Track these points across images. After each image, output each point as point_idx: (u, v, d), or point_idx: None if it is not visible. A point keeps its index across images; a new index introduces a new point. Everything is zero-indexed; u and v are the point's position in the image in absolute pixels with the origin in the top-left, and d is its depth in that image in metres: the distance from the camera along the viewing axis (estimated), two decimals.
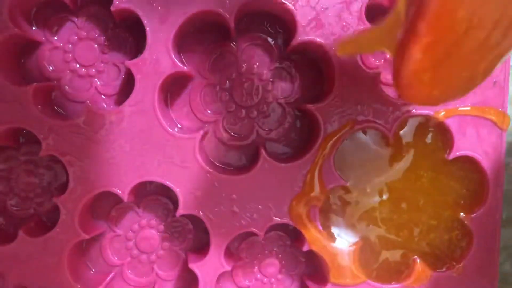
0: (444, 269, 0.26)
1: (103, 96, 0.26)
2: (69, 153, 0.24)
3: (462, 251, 0.26)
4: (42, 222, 0.26)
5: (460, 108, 0.25)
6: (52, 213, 0.26)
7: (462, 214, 0.26)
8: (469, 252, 0.25)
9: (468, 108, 0.25)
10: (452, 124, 0.25)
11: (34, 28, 0.25)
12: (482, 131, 0.25)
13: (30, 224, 0.26)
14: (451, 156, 0.25)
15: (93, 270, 0.27)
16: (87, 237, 0.25)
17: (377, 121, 0.24)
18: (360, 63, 0.24)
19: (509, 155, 0.28)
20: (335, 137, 0.24)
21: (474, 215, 0.25)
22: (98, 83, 0.26)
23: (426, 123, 0.26)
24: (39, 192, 0.26)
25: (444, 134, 0.25)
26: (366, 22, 0.24)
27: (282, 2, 0.24)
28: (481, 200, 0.26)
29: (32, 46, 0.26)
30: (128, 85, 0.25)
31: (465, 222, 0.25)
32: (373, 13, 0.25)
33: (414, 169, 0.26)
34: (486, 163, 0.25)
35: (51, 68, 0.26)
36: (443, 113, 0.25)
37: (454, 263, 0.26)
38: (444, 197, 0.26)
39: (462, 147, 0.25)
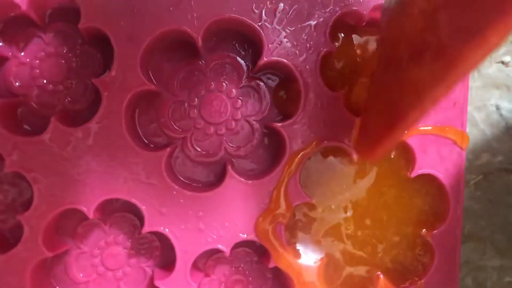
0: (407, 285, 0.26)
1: (70, 112, 0.26)
2: (34, 169, 0.24)
3: (424, 267, 0.26)
4: (5, 239, 0.26)
5: (421, 128, 0.26)
6: (15, 230, 0.26)
7: (424, 230, 0.26)
8: (431, 267, 0.26)
9: (429, 128, 0.26)
10: (414, 142, 0.26)
11: (0, 44, 0.25)
12: (443, 149, 0.26)
13: None
14: (413, 174, 0.26)
15: None
16: (50, 254, 0.24)
17: (341, 139, 0.25)
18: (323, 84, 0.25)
19: (469, 172, 0.29)
20: (300, 155, 0.25)
21: (436, 231, 0.26)
22: (66, 99, 0.26)
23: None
24: (3, 208, 0.26)
25: (406, 153, 0.26)
26: (331, 43, 0.25)
27: (249, 23, 0.24)
28: (442, 217, 0.26)
29: None
30: (95, 101, 0.25)
31: (427, 238, 0.26)
32: (338, 32, 0.26)
33: (377, 186, 0.27)
34: (447, 181, 0.26)
35: (17, 83, 0.25)
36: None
37: (417, 279, 0.26)
38: (406, 213, 0.27)
39: (424, 165, 0.26)
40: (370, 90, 0.20)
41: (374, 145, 0.19)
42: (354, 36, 0.26)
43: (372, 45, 0.26)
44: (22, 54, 0.25)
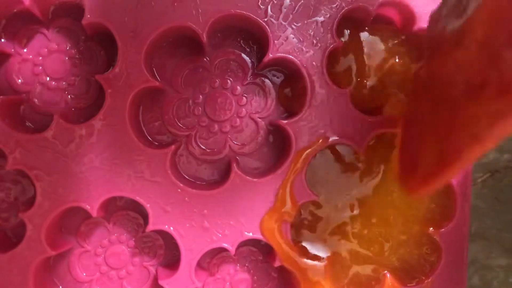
0: (414, 284, 0.26)
1: (73, 109, 0.26)
2: (37, 167, 0.24)
3: (431, 266, 0.26)
4: (7, 238, 0.26)
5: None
6: (18, 229, 0.25)
7: (431, 229, 0.26)
8: (438, 266, 0.26)
9: None
10: None
11: (3, 40, 0.25)
12: None
13: None
14: None
15: (61, 287, 0.26)
16: (53, 253, 0.24)
17: (347, 137, 0.25)
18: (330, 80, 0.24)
19: (476, 170, 0.28)
20: (306, 152, 0.24)
21: (443, 230, 0.26)
22: (69, 96, 0.25)
23: (396, 139, 0.26)
24: (5, 207, 0.26)
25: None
26: (337, 39, 0.24)
27: (255, 19, 0.24)
28: (449, 215, 0.26)
29: (1, 58, 0.25)
30: (99, 98, 0.25)
31: (434, 237, 0.26)
32: (345, 28, 0.26)
33: (384, 184, 0.26)
34: (454, 179, 0.26)
35: (20, 80, 0.25)
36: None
37: (424, 278, 0.26)
38: (413, 212, 0.27)
39: None
40: (410, 117, 0.19)
41: (424, 181, 0.18)
42: (361, 32, 0.26)
43: (379, 44, 0.25)
44: (25, 50, 0.25)
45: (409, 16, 0.25)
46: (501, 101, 0.13)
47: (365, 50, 0.26)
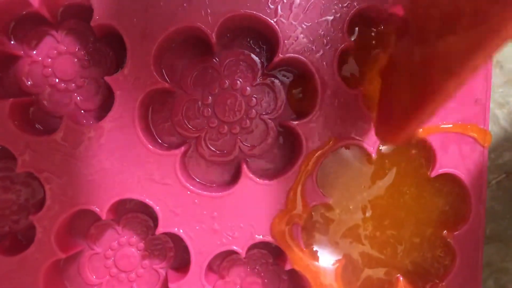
0: (427, 287, 0.26)
1: (82, 111, 0.25)
2: (47, 169, 0.24)
3: (445, 269, 0.26)
4: (17, 240, 0.26)
5: (442, 126, 0.25)
6: (28, 231, 0.25)
7: (445, 231, 0.25)
8: (452, 270, 0.25)
9: (450, 126, 0.25)
10: (434, 141, 0.25)
11: (12, 42, 0.25)
12: (464, 148, 0.25)
13: (5, 242, 0.25)
14: (434, 173, 0.25)
15: None
16: (63, 256, 0.24)
17: (359, 138, 0.24)
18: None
19: (490, 172, 0.28)
20: (317, 154, 0.24)
21: (457, 232, 0.25)
22: (78, 98, 0.25)
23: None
24: (15, 209, 0.26)
25: (426, 151, 0.25)
26: (348, 38, 0.24)
27: (265, 19, 0.24)
28: (463, 217, 0.25)
29: (11, 60, 0.25)
30: (108, 100, 0.25)
31: (448, 239, 0.25)
32: (356, 27, 0.25)
33: (397, 186, 0.26)
34: (468, 180, 0.25)
35: (29, 82, 0.25)
36: (421, 130, 0.25)
37: (438, 281, 0.25)
38: (427, 214, 0.26)
39: (445, 164, 0.25)
40: (390, 69, 0.19)
41: (400, 126, 0.18)
42: (372, 31, 0.25)
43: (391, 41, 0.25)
44: (34, 52, 0.25)
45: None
46: (477, 31, 0.13)
47: (377, 48, 0.25)
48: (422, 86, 0.16)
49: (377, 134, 0.22)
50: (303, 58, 0.24)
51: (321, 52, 0.24)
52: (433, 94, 0.15)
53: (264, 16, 0.24)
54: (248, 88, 0.26)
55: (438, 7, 0.15)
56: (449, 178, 0.25)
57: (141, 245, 0.26)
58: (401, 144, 0.25)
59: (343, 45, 0.24)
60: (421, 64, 0.16)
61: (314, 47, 0.24)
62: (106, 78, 0.23)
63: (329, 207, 0.26)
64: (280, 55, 0.24)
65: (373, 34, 0.25)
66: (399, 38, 0.19)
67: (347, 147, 0.26)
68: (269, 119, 0.26)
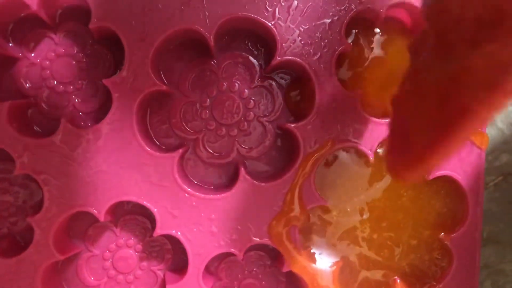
0: None
1: (80, 113, 0.26)
2: (45, 171, 0.24)
3: (442, 271, 0.26)
4: (16, 242, 0.26)
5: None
6: (26, 233, 0.25)
7: (442, 233, 0.26)
8: (450, 272, 0.25)
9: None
10: None
11: (10, 44, 0.25)
12: (462, 151, 0.25)
13: (3, 244, 0.25)
14: (431, 175, 0.25)
15: None
16: (61, 257, 0.24)
17: (357, 141, 0.24)
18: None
19: (488, 174, 0.28)
20: (315, 157, 0.24)
21: (454, 234, 0.25)
22: (76, 100, 0.25)
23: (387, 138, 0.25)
24: (13, 211, 0.26)
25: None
26: (346, 41, 0.24)
27: (262, 21, 0.24)
28: (461, 219, 0.26)
29: (9, 62, 0.25)
30: (106, 102, 0.25)
31: (445, 241, 0.25)
32: (354, 30, 0.25)
33: (394, 188, 0.26)
34: (465, 183, 0.25)
35: (28, 84, 0.25)
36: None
37: (435, 283, 0.25)
38: (424, 216, 0.26)
39: (442, 166, 0.25)
40: (404, 93, 0.17)
41: (420, 160, 0.15)
42: (370, 34, 0.25)
43: (389, 44, 0.25)
44: (33, 54, 0.25)
45: (418, 17, 0.25)
46: None
47: (375, 51, 0.25)
48: (449, 109, 0.14)
49: (389, 169, 0.19)
50: (300, 60, 0.24)
51: (319, 54, 0.24)
52: (463, 117, 0.13)
53: (262, 19, 0.24)
54: (246, 90, 0.26)
55: (471, 11, 0.13)
56: (447, 180, 0.25)
57: (139, 247, 0.26)
58: (417, 181, 0.23)
59: (340, 48, 0.24)
60: (448, 83, 0.14)
61: (311, 50, 0.24)
62: (104, 80, 0.23)
63: (326, 209, 0.26)
64: (278, 58, 0.24)
65: (371, 37, 0.26)
66: (415, 57, 0.17)
67: (344, 150, 0.26)
68: (267, 121, 0.26)
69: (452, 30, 0.13)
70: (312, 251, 0.26)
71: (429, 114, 0.15)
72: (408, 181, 0.22)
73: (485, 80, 0.12)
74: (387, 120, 0.24)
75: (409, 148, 0.16)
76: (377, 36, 0.26)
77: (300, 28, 0.24)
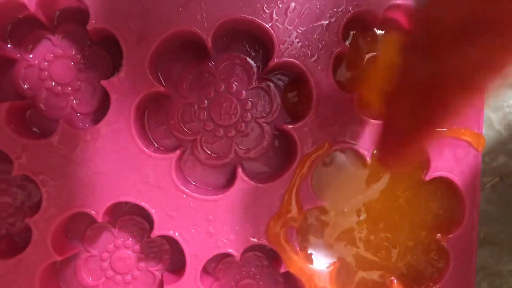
0: None
1: (78, 114, 0.26)
2: (43, 172, 0.24)
3: (439, 272, 0.26)
4: (14, 242, 0.26)
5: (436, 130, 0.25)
6: (24, 234, 0.26)
7: (439, 234, 0.26)
8: (446, 273, 0.25)
9: (445, 130, 0.25)
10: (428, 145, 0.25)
11: (9, 46, 0.25)
12: (459, 152, 0.25)
13: (1, 245, 0.25)
14: (428, 176, 0.25)
15: None
16: (59, 258, 0.24)
17: (354, 142, 0.24)
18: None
19: (485, 175, 0.28)
20: (312, 158, 0.24)
21: (451, 235, 0.25)
22: (74, 101, 0.25)
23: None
24: (12, 211, 0.26)
25: (421, 155, 0.25)
26: (343, 43, 0.24)
27: (260, 23, 0.24)
28: (457, 221, 0.26)
29: (7, 63, 0.25)
30: (104, 103, 0.25)
31: (442, 242, 0.25)
32: (351, 31, 0.25)
33: (391, 189, 0.26)
34: (462, 184, 0.25)
35: (26, 86, 0.25)
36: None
37: (431, 284, 0.26)
38: (421, 217, 0.26)
39: (439, 168, 0.25)
40: (394, 90, 0.18)
41: (405, 148, 0.17)
42: (367, 36, 0.25)
43: (386, 46, 0.25)
44: (31, 56, 0.25)
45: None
46: (496, 42, 0.12)
47: (372, 52, 0.25)
48: (431, 103, 0.15)
49: (380, 161, 0.21)
50: (298, 62, 0.24)
51: (316, 56, 0.24)
52: (443, 110, 0.15)
53: (259, 21, 0.24)
54: (243, 91, 0.26)
55: (455, 17, 0.14)
56: (443, 182, 0.26)
57: (137, 247, 0.26)
58: (404, 170, 0.25)
59: (338, 50, 0.24)
60: (431, 80, 0.15)
61: (309, 52, 0.24)
62: (102, 82, 0.24)
63: (323, 210, 0.26)
64: (275, 59, 0.24)
65: (368, 38, 0.26)
66: (405, 55, 0.18)
67: (341, 151, 0.26)
68: (265, 122, 0.26)
69: (437, 33, 0.14)
70: (309, 251, 0.26)
71: (413, 108, 0.16)
72: (398, 168, 0.23)
73: (461, 79, 0.13)
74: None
75: (397, 138, 0.18)
76: (374, 38, 0.26)
77: (298, 29, 0.24)
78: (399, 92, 0.17)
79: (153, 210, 0.24)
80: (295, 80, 0.26)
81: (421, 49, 0.15)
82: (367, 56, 0.26)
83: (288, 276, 0.26)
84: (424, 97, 0.15)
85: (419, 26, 0.16)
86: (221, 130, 0.26)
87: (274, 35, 0.24)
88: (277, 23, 0.24)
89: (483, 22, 0.13)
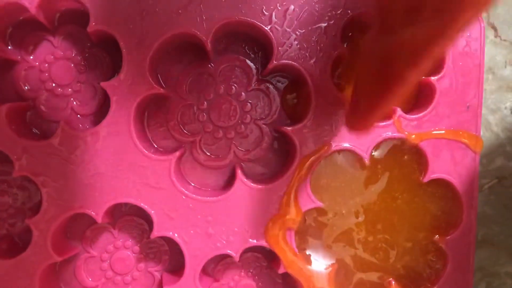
0: None
1: (79, 116, 0.26)
2: (43, 173, 0.24)
3: (437, 273, 0.26)
4: (14, 243, 0.26)
5: (434, 132, 0.25)
6: (24, 234, 0.26)
7: (437, 236, 0.26)
8: (444, 274, 0.26)
9: (442, 132, 0.25)
10: (426, 147, 0.25)
11: (9, 47, 0.25)
12: (456, 154, 0.26)
13: (2, 245, 0.25)
14: (426, 178, 0.25)
15: None
16: (59, 259, 0.24)
17: (352, 144, 0.25)
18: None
19: (483, 177, 0.28)
20: (311, 159, 0.24)
21: (449, 237, 0.25)
22: (74, 103, 0.26)
23: (401, 146, 0.26)
24: (12, 212, 0.26)
25: (419, 157, 0.26)
26: (342, 45, 0.24)
27: (259, 25, 0.24)
28: (455, 222, 0.26)
29: (8, 65, 0.25)
30: (104, 105, 0.25)
31: (440, 244, 0.26)
32: (349, 32, 0.25)
33: (389, 191, 0.26)
34: (460, 186, 0.26)
35: (26, 87, 0.25)
36: (413, 136, 0.25)
37: (429, 285, 0.26)
38: (419, 219, 0.26)
39: (437, 169, 0.25)
40: (359, 62, 0.21)
41: (367, 114, 0.19)
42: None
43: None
44: (31, 57, 0.25)
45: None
46: (437, 21, 0.14)
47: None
48: (386, 74, 0.17)
49: (346, 123, 0.23)
50: (297, 64, 0.24)
51: (315, 58, 0.24)
52: (396, 82, 0.17)
53: (258, 23, 0.24)
54: (243, 93, 0.26)
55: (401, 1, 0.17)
56: (441, 183, 0.26)
57: (137, 248, 0.27)
58: (366, 131, 0.25)
59: (336, 52, 0.24)
60: (386, 53, 0.17)
61: (308, 54, 0.24)
62: (102, 83, 0.24)
63: (322, 212, 0.26)
64: (274, 62, 0.24)
65: None
66: (367, 31, 0.21)
67: (340, 153, 0.26)
68: (264, 124, 0.26)
69: (389, 12, 0.17)
70: (308, 253, 0.26)
71: (373, 77, 0.19)
72: (360, 131, 0.24)
73: (409, 53, 0.16)
74: (384, 124, 0.25)
75: (361, 103, 0.20)
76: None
77: (297, 32, 0.24)
78: (364, 64, 0.20)
79: (152, 211, 0.24)
80: (294, 82, 0.26)
81: (378, 29, 0.18)
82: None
83: (286, 277, 0.26)
84: (383, 66, 0.18)
85: (377, 9, 0.19)
86: (221, 131, 0.26)
87: (273, 38, 0.24)
88: (276, 26, 0.24)
89: (423, 6, 0.15)
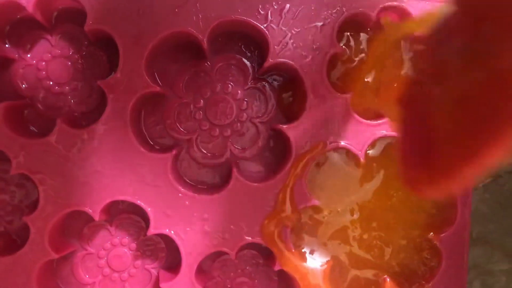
0: None
1: (76, 114, 0.26)
2: (40, 171, 0.24)
3: (431, 271, 0.26)
4: (12, 240, 0.26)
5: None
6: (22, 232, 0.26)
7: (431, 233, 0.26)
8: (438, 271, 0.26)
9: None
10: None
11: (7, 46, 0.25)
12: None
13: (0, 242, 0.25)
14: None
15: None
16: (56, 256, 0.24)
17: (348, 142, 0.25)
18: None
19: None
20: (307, 157, 0.25)
21: (443, 234, 0.26)
22: (72, 101, 0.26)
23: (396, 144, 0.26)
24: (9, 210, 0.26)
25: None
26: (337, 44, 0.24)
27: (255, 24, 0.24)
28: (450, 220, 0.26)
29: (5, 63, 0.25)
30: (101, 103, 0.25)
31: (435, 241, 0.26)
32: (346, 32, 0.26)
33: (384, 188, 0.26)
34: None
35: (24, 85, 0.26)
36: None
37: (424, 282, 0.26)
38: (414, 216, 0.27)
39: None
40: (418, 94, 0.14)
41: (445, 177, 0.13)
42: (361, 37, 0.26)
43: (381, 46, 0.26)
44: (29, 56, 0.25)
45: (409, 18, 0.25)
46: None
47: (365, 53, 0.26)
48: (491, 116, 0.11)
49: (406, 184, 0.15)
50: (292, 63, 0.24)
51: (311, 57, 0.24)
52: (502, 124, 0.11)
53: (254, 22, 0.24)
54: (239, 92, 0.26)
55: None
56: None
57: (133, 245, 0.27)
58: (441, 197, 0.21)
59: (332, 51, 0.24)
60: (487, 87, 0.11)
61: (303, 53, 0.24)
62: (99, 82, 0.24)
63: (317, 209, 0.26)
64: (270, 60, 0.24)
65: (362, 39, 0.26)
66: (434, 53, 0.14)
67: (335, 151, 0.26)
68: (260, 122, 0.26)
69: (490, 20, 0.11)
70: (303, 250, 0.26)
71: (462, 120, 0.12)
72: (431, 197, 0.19)
73: None
74: (379, 122, 0.25)
75: (433, 160, 0.13)
76: (368, 39, 0.26)
77: (292, 31, 0.24)
78: (428, 98, 0.13)
79: (149, 209, 0.24)
80: (290, 81, 0.26)
81: (461, 43, 0.12)
82: (361, 57, 0.26)
83: (282, 274, 0.26)
84: (479, 107, 0.11)
85: (462, 11, 0.12)
86: (217, 129, 0.26)
87: (269, 36, 0.24)
88: (272, 24, 0.24)
89: None
